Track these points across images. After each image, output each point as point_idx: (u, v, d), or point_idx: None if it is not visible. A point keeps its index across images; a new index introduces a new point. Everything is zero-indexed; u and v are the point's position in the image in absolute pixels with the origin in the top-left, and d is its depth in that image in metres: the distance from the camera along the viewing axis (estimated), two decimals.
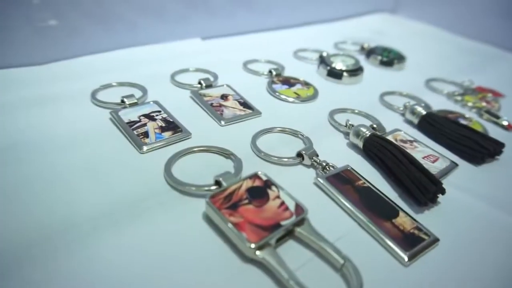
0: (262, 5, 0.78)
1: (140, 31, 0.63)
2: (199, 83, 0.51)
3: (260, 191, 0.32)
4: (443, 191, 0.35)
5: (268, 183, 0.33)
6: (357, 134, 0.42)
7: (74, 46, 0.55)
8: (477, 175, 0.41)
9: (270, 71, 0.56)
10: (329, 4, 0.91)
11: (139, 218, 0.31)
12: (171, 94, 0.49)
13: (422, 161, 0.41)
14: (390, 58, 0.65)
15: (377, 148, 0.40)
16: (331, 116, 0.47)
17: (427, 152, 0.42)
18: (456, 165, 0.41)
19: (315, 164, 0.38)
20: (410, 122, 0.49)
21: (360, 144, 0.41)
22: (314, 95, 0.52)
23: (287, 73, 0.59)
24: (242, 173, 0.36)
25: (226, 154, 0.38)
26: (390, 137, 0.44)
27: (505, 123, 0.51)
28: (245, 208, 0.30)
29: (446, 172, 0.40)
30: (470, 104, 0.55)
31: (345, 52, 0.70)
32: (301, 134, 0.43)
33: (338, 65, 0.58)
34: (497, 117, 0.52)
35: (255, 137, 0.41)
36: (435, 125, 0.46)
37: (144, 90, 0.48)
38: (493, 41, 0.83)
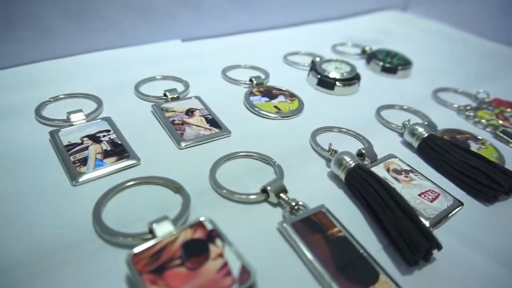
0: (257, 1, 0.70)
1: (112, 31, 0.56)
2: (164, 95, 0.44)
3: (199, 247, 0.25)
4: (439, 247, 0.27)
5: (213, 235, 0.26)
6: (339, 164, 0.34)
7: (15, 52, 0.48)
8: (488, 218, 0.34)
9: (250, 80, 0.49)
10: (334, 1, 0.83)
11: (62, 273, 0.25)
12: (130, 108, 0.43)
13: (418, 199, 0.33)
14: (393, 63, 0.57)
15: (361, 183, 0.32)
16: (313, 137, 0.40)
17: (425, 187, 0.35)
18: (461, 204, 0.34)
19: (282, 203, 0.31)
20: (409, 145, 0.41)
21: (342, 176, 0.34)
22: (299, 109, 0.45)
23: (272, 81, 0.52)
24: (190, 214, 0.30)
25: (174, 187, 0.32)
26: (381, 166, 0.37)
27: None
28: (174, 273, 0.23)
29: (448, 213, 0.33)
30: (484, 121, 0.47)
31: (344, 55, 0.63)
32: (272, 161, 0.36)
33: (331, 73, 0.51)
34: None
35: (216, 165, 0.35)
36: (438, 150, 0.38)
37: (99, 103, 0.42)
38: None
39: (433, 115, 0.48)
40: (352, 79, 0.51)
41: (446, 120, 0.48)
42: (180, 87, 0.47)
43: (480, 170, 0.35)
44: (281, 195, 0.31)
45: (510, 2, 0.73)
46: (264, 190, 0.32)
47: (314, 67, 0.52)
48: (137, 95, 0.45)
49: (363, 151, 0.37)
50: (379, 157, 0.38)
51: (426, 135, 0.40)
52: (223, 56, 0.57)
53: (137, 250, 0.24)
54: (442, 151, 0.38)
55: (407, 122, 0.42)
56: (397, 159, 0.38)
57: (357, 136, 0.41)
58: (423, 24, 0.85)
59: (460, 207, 0.33)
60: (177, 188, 0.32)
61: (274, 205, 0.32)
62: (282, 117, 0.44)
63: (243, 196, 0.31)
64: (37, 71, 0.47)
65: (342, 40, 0.69)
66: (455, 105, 0.50)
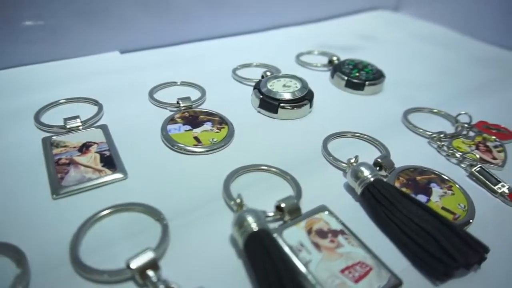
0: (216, 2, 0.62)
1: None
2: (64, 124, 0.37)
3: None
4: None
5: None
6: (240, 225, 0.26)
7: None
8: None
9: (177, 102, 0.42)
10: (319, 0, 0.74)
11: None
12: (20, 140, 0.36)
13: (337, 279, 0.25)
14: (360, 78, 0.48)
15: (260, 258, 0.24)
16: (227, 184, 0.32)
17: (354, 258, 0.26)
18: (400, 283, 0.25)
19: (148, 284, 0.23)
20: (352, 190, 0.33)
21: (240, 242, 0.26)
22: (225, 141, 0.37)
23: (209, 101, 0.44)
24: None
25: (17, 258, 0.25)
26: (302, 226, 0.28)
27: (506, 190, 0.33)
28: None
29: None
30: (459, 154, 0.37)
31: (309, 67, 0.54)
32: (161, 217, 0.28)
33: (278, 92, 0.42)
34: (493, 181, 0.34)
35: (83, 227, 0.27)
36: (383, 203, 0.30)
37: None
38: None
39: (399, 145, 0.39)
40: (301, 100, 0.42)
41: (413, 151, 0.39)
42: (91, 112, 0.39)
43: (430, 234, 0.27)
44: (148, 272, 0.24)
45: (510, 1, 0.63)
46: (129, 265, 0.24)
47: (258, 85, 0.44)
48: (36, 123, 0.38)
49: (282, 204, 0.29)
50: (307, 209, 0.30)
51: (371, 179, 0.31)
52: (161, 71, 0.50)
53: None
54: (388, 203, 0.29)
55: (352, 160, 0.34)
56: (327, 213, 0.29)
57: (290, 180, 0.33)
58: (414, 25, 0.75)
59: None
60: (21, 263, 0.24)
61: (140, 285, 0.24)
62: (200, 151, 0.36)
63: (106, 275, 0.24)
64: None
65: (314, 46, 0.60)
66: (429, 132, 0.41)
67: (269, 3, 0.66)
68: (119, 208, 0.28)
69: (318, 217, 0.29)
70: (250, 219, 0.26)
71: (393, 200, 0.29)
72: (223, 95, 0.45)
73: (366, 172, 0.32)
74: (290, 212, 0.29)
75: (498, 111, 0.47)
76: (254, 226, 0.26)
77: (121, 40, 0.54)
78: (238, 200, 0.29)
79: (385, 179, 0.34)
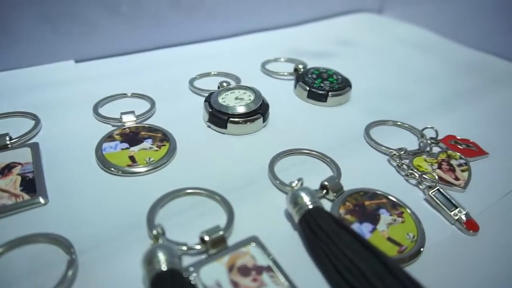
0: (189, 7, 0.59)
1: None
2: None
3: None
4: None
5: None
6: (148, 262, 0.24)
7: None
8: None
9: (120, 117, 0.39)
10: (299, 2, 0.71)
11: None
12: None
13: None
14: (324, 88, 0.45)
15: None
16: (152, 211, 0.29)
17: None
18: None
19: None
20: (291, 218, 0.30)
21: (146, 283, 0.23)
22: (165, 159, 0.34)
23: (158, 116, 0.42)
24: None
25: None
26: (225, 259, 0.25)
27: (463, 217, 0.30)
28: None
29: None
30: (417, 174, 0.34)
31: (274, 76, 0.51)
32: (70, 251, 0.26)
33: (229, 106, 0.39)
34: (450, 206, 0.31)
35: None
36: (318, 233, 0.27)
37: None
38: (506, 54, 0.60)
39: (356, 163, 0.36)
40: (254, 113, 0.39)
41: (371, 170, 0.36)
42: (26, 128, 0.37)
43: (365, 276, 0.24)
44: None
45: (500, 4, 0.59)
46: None
47: (209, 98, 0.41)
48: None
49: (206, 237, 0.26)
50: (238, 239, 0.27)
51: (309, 207, 0.28)
52: (116, 81, 0.48)
53: None
54: (323, 235, 0.26)
55: (295, 183, 0.31)
56: (256, 246, 0.27)
57: (223, 205, 0.30)
58: (397, 29, 0.72)
59: None
60: None
61: None
62: (131, 173, 0.33)
63: None
64: None
65: (287, 52, 0.58)
66: (391, 148, 0.38)
67: (242, 7, 0.64)
68: (18, 242, 0.26)
69: (245, 250, 0.26)
70: (160, 256, 0.24)
71: (329, 231, 0.26)
72: (174, 108, 0.43)
73: (306, 198, 0.29)
74: (214, 244, 0.26)
75: (475, 123, 0.44)
76: (163, 265, 0.23)
77: (78, 48, 0.51)
78: (155, 232, 0.26)
79: (331, 203, 0.31)
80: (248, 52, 0.58)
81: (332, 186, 0.31)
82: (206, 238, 0.26)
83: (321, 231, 0.27)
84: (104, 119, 0.39)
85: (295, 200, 0.29)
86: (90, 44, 0.52)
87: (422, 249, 0.28)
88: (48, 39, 0.49)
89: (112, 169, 0.33)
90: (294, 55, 0.57)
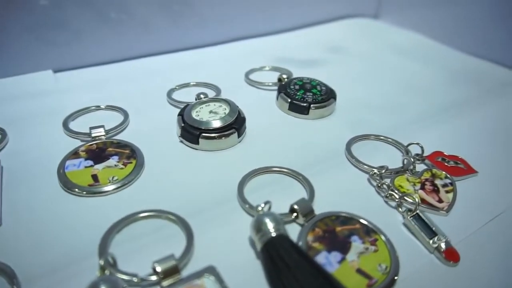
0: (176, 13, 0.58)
1: None
2: None
3: None
4: None
5: None
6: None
7: None
8: None
9: (89, 132, 0.37)
10: (294, 7, 0.69)
11: None
12: None
13: None
14: (306, 100, 0.43)
15: None
16: (106, 237, 0.27)
17: None
18: None
19: None
20: (254, 246, 0.28)
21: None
22: (130, 178, 0.33)
23: (131, 130, 0.40)
24: None
25: None
26: None
27: (442, 245, 0.28)
28: None
29: None
30: (397, 196, 0.32)
31: (259, 85, 0.49)
32: (14, 281, 0.24)
33: (202, 121, 0.38)
34: (429, 232, 0.28)
35: None
36: (279, 264, 0.25)
37: None
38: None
39: (333, 183, 0.34)
40: (227, 128, 0.38)
41: (349, 191, 0.34)
42: None
43: None
44: None
45: (498, 9, 0.56)
46: None
47: (183, 111, 0.39)
48: None
49: (158, 268, 0.24)
50: (195, 269, 0.25)
51: (273, 235, 0.26)
52: (95, 92, 0.46)
53: None
54: (284, 266, 0.24)
55: (261, 206, 0.29)
56: (212, 277, 0.25)
57: (185, 229, 0.28)
58: (392, 34, 0.69)
59: None
60: None
61: None
62: (93, 193, 0.31)
63: None
64: None
65: (275, 60, 0.56)
66: (373, 166, 0.35)
67: (231, 12, 0.62)
68: None
69: (199, 282, 0.24)
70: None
71: (290, 263, 0.24)
72: (148, 122, 0.41)
73: (270, 225, 0.27)
74: (166, 275, 0.24)
75: (466, 137, 0.42)
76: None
77: (59, 57, 0.50)
78: (101, 262, 0.24)
79: (301, 228, 0.29)
80: (234, 60, 0.57)
81: (302, 210, 0.29)
82: (158, 268, 0.24)
83: (282, 262, 0.25)
84: (73, 134, 0.38)
85: (258, 226, 0.27)
86: (71, 52, 0.51)
87: (396, 280, 0.26)
88: (30, 48, 0.48)
89: (76, 189, 0.31)
90: (282, 63, 0.55)
